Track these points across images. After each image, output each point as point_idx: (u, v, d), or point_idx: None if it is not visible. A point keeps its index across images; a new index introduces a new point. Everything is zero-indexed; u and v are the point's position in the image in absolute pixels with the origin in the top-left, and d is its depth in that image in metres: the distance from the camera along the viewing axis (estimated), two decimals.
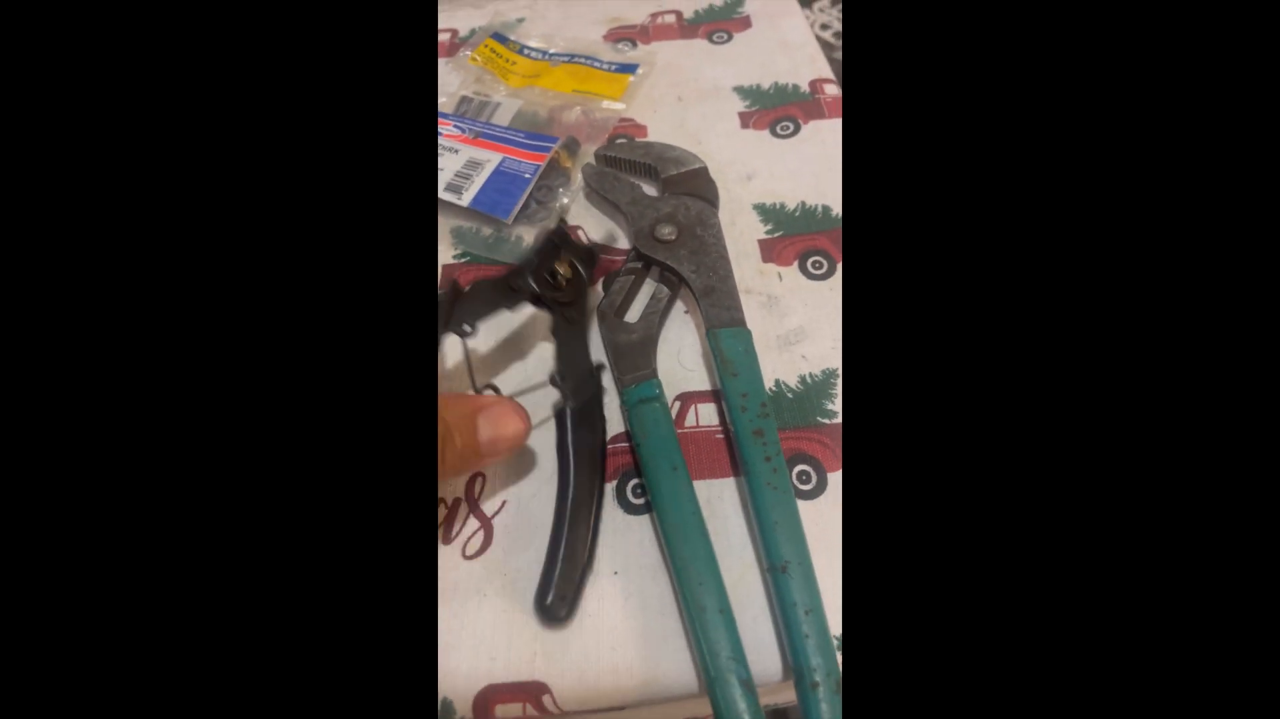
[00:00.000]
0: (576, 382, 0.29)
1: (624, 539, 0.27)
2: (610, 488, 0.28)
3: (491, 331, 0.33)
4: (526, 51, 0.46)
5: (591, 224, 0.37)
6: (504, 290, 0.29)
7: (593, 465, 0.27)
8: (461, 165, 0.37)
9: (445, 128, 0.40)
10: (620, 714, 0.25)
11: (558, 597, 0.25)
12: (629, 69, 0.44)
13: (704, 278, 0.32)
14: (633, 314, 0.33)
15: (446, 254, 0.36)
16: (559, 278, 0.30)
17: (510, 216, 0.36)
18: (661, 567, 0.26)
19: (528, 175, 0.37)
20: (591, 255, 0.32)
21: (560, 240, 0.31)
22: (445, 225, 0.37)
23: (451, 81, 0.45)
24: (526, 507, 0.28)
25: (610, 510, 0.27)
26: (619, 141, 0.41)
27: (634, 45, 0.47)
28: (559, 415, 0.28)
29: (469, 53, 0.45)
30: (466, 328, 0.27)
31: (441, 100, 0.43)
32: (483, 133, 0.39)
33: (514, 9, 0.51)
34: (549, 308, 0.30)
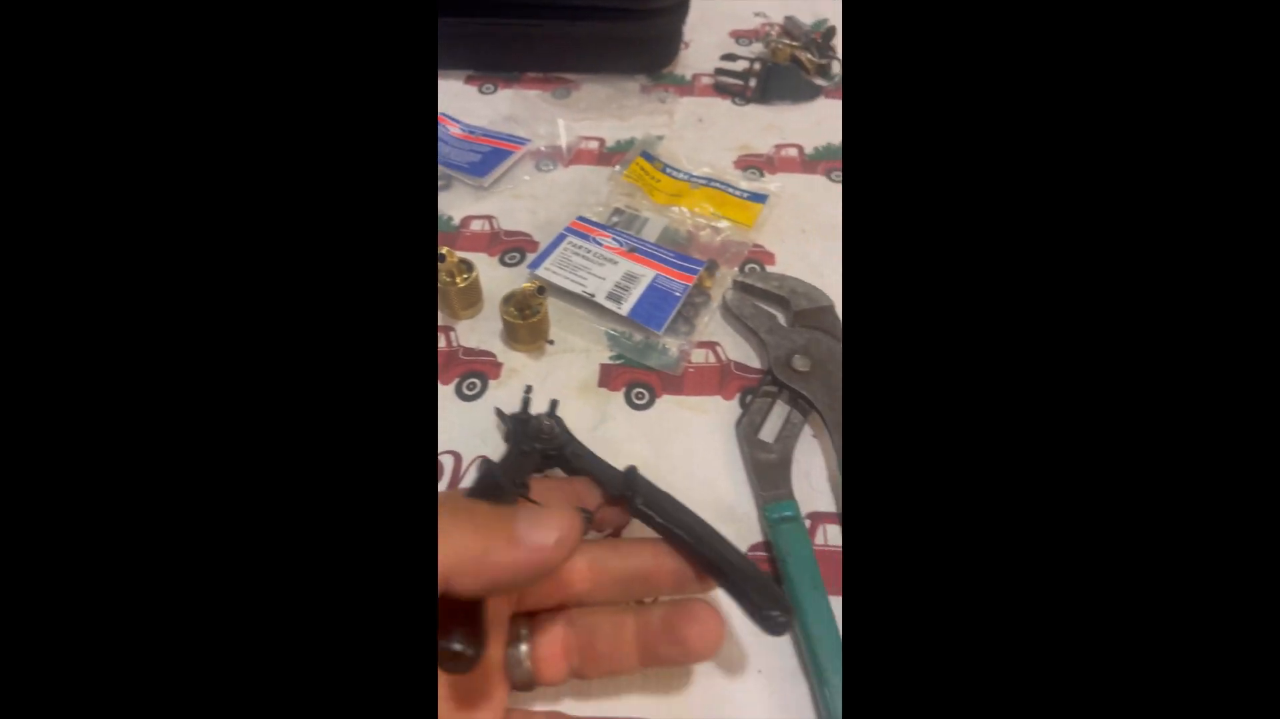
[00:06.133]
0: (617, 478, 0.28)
1: (764, 642, 0.31)
2: None
3: None
4: (670, 171, 0.52)
5: (728, 343, 0.42)
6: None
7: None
8: (620, 277, 0.43)
9: (605, 239, 0.45)
10: None
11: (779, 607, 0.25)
12: (759, 199, 0.50)
13: (836, 413, 0.37)
14: (767, 433, 0.38)
15: (604, 355, 0.41)
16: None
17: (663, 329, 0.41)
18: (800, 672, 0.30)
19: (678, 294, 0.42)
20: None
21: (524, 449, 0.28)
22: (601, 329, 0.42)
23: (603, 190, 0.51)
24: None
25: None
26: (751, 267, 0.46)
27: (761, 174, 0.53)
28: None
29: (622, 169, 0.51)
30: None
31: (596, 209, 0.49)
32: (637, 248, 0.45)
33: (655, 125, 0.57)
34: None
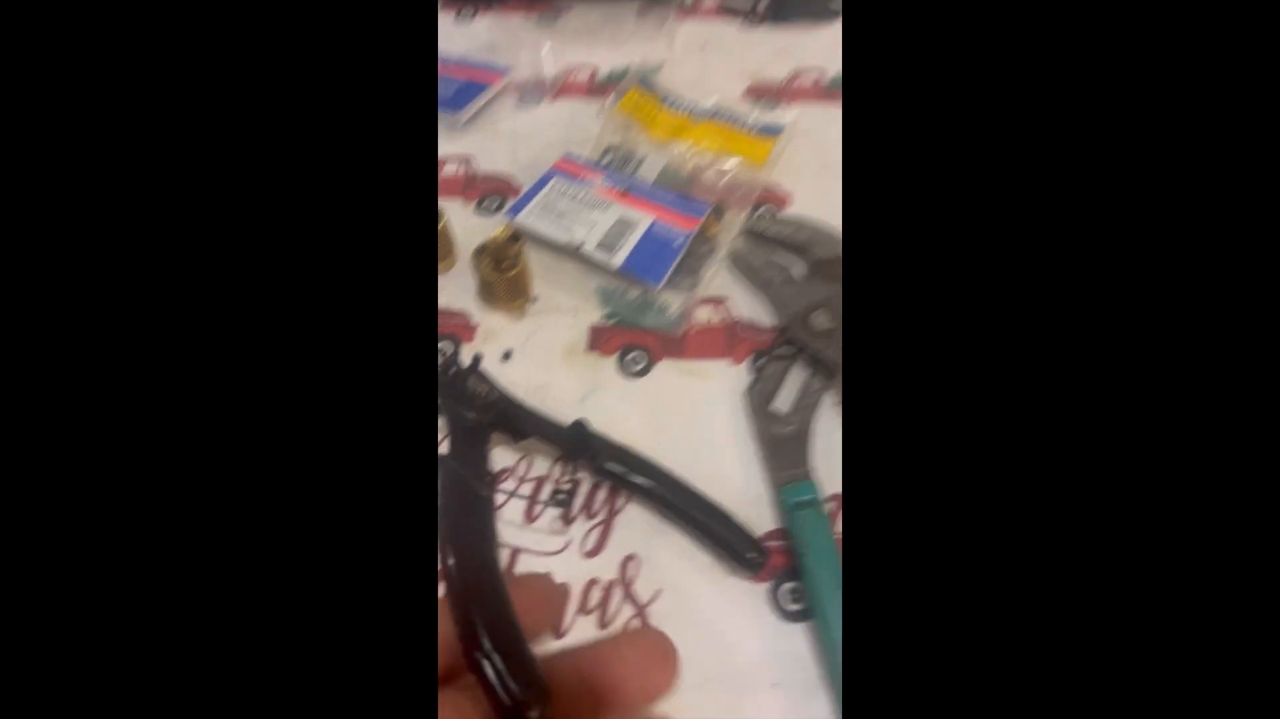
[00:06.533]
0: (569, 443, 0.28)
1: (780, 648, 0.26)
2: (763, 589, 0.28)
3: None
4: (670, 103, 0.46)
5: (737, 298, 0.37)
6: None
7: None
8: (613, 224, 0.37)
9: (596, 179, 0.40)
10: None
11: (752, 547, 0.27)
12: (773, 131, 0.44)
13: None
14: (781, 403, 0.33)
15: (594, 314, 0.36)
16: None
17: (661, 282, 0.36)
18: (821, 683, 0.26)
19: (678, 242, 0.37)
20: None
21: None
22: (591, 284, 0.37)
23: (593, 126, 0.45)
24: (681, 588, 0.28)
25: (764, 615, 0.27)
26: (763, 211, 0.41)
27: (774, 105, 0.47)
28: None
29: (615, 101, 0.45)
30: None
31: (587, 147, 0.43)
32: (631, 190, 0.39)
33: (654, 51, 0.50)
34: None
